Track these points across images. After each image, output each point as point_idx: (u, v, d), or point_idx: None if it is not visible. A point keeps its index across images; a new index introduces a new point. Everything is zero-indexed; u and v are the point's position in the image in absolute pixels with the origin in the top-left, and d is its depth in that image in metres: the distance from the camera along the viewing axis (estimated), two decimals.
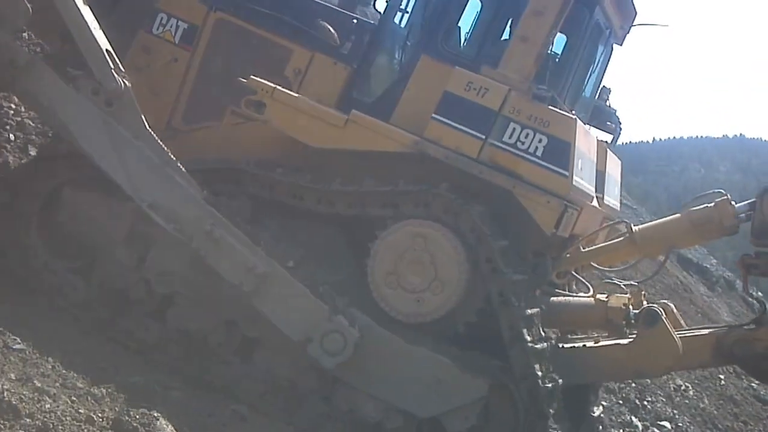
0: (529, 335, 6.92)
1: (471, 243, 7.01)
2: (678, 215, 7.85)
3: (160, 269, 7.39)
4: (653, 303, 8.44)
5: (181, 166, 7.30)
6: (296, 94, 7.58)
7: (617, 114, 8.72)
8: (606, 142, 8.74)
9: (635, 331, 7.60)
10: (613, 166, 8.71)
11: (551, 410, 6.87)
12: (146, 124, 7.33)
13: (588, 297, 7.98)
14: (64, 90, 7.32)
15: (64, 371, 5.93)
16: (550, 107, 7.12)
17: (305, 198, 7.45)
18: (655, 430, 11.26)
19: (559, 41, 7.69)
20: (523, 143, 7.01)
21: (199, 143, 7.99)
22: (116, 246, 7.47)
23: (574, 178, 7.03)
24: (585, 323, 8.03)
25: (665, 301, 8.96)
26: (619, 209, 8.87)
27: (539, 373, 6.86)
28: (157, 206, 7.21)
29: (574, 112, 7.69)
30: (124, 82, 7.27)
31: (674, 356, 7.24)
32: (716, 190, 7.77)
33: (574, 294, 8.36)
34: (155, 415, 5.31)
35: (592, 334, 8.12)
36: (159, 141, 7.34)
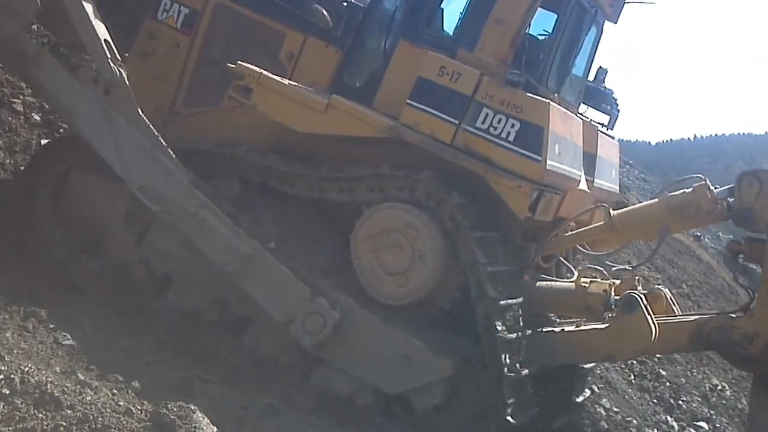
0: (494, 292, 6.94)
1: (429, 206, 7.08)
2: (657, 200, 7.66)
3: (157, 249, 7.78)
4: (652, 287, 8.32)
5: (170, 151, 7.62)
6: (281, 79, 7.67)
7: (614, 95, 8.49)
8: (602, 124, 8.54)
9: (611, 316, 7.48)
10: (608, 149, 8.48)
11: (507, 360, 6.89)
12: (139, 110, 7.66)
13: (571, 282, 7.88)
14: (67, 79, 7.75)
15: (107, 365, 6.21)
16: (525, 92, 7.03)
17: (270, 177, 7.67)
18: (692, 430, 10.99)
19: (544, 22, 7.53)
20: (495, 129, 6.97)
21: (200, 127, 8.22)
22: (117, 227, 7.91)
23: (549, 162, 6.94)
24: (564, 308, 7.93)
25: (659, 286, 8.77)
26: (616, 191, 8.67)
27: (499, 327, 6.89)
28: (146, 188, 7.56)
29: (558, 94, 7.56)
30: (119, 70, 7.63)
31: (645, 341, 7.12)
32: (695, 175, 7.52)
33: (560, 278, 8.26)
34: (192, 408, 5.41)
35: (581, 319, 8.03)
36: (151, 126, 7.66)
